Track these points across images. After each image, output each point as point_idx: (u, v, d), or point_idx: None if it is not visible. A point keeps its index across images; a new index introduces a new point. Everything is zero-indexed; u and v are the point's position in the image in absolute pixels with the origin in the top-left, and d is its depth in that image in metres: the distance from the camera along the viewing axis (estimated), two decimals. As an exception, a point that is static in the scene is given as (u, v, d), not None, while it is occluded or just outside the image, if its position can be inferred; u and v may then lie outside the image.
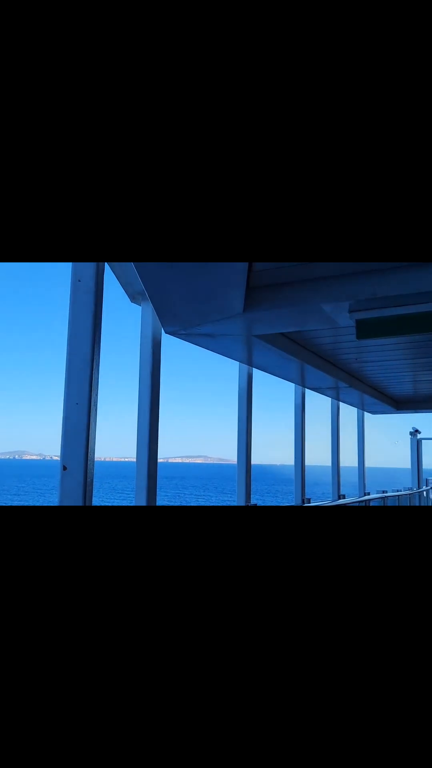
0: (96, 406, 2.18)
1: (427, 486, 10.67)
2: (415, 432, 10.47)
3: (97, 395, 2.19)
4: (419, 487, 10.09)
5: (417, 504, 9.30)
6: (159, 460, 3.17)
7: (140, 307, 3.29)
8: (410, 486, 10.03)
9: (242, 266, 2.23)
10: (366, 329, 2.77)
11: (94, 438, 2.16)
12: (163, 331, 3.19)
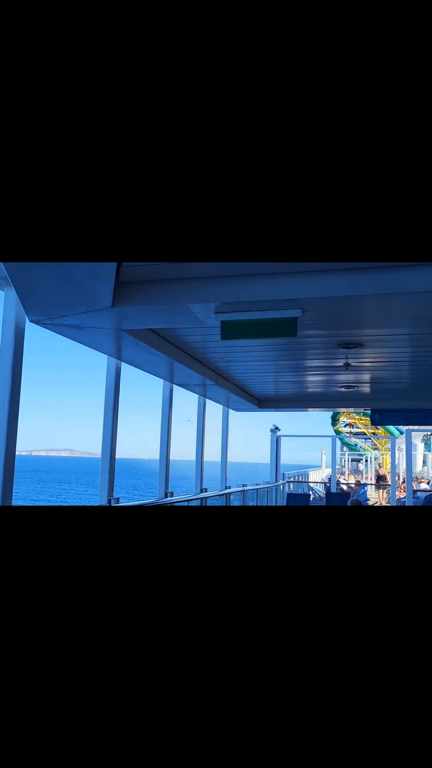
0: None
1: (283, 480, 11.37)
2: (275, 429, 11.09)
3: None
4: (276, 482, 10.72)
5: (273, 497, 9.88)
6: (21, 453, 3.04)
7: (2, 293, 3.13)
8: (268, 480, 10.62)
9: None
10: (230, 330, 2.91)
11: None
12: (27, 319, 3.07)
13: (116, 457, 4.58)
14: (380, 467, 21.44)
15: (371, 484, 16.24)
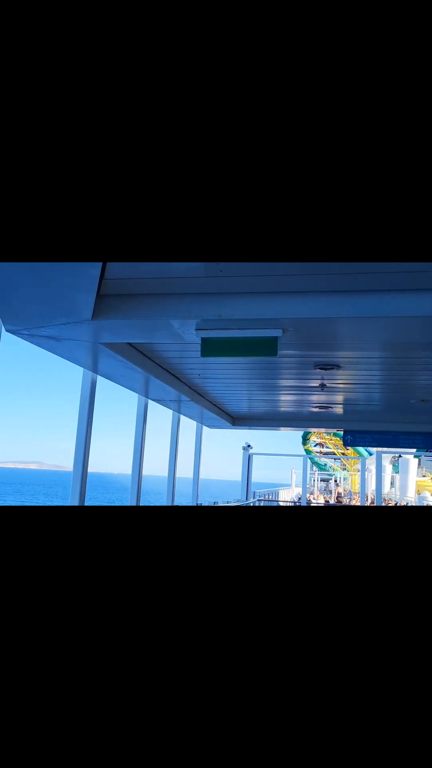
0: None
1: (254, 498, 11.35)
2: (247, 447, 11.10)
3: None
4: (247, 499, 10.70)
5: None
6: (-13, 465, 2.97)
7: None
8: (239, 498, 10.59)
9: (94, 272, 2.21)
10: (210, 348, 2.90)
11: None
12: (3, 328, 3.01)
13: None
14: (337, 486, 21.70)
15: (336, 504, 16.37)
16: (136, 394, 5.71)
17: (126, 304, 2.70)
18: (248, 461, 11.15)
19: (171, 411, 6.83)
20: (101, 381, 4.61)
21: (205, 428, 8.46)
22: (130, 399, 5.86)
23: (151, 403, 5.92)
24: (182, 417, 7.15)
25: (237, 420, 8.29)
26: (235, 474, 11.78)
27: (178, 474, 7.15)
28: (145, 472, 5.85)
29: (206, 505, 7.97)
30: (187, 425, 7.69)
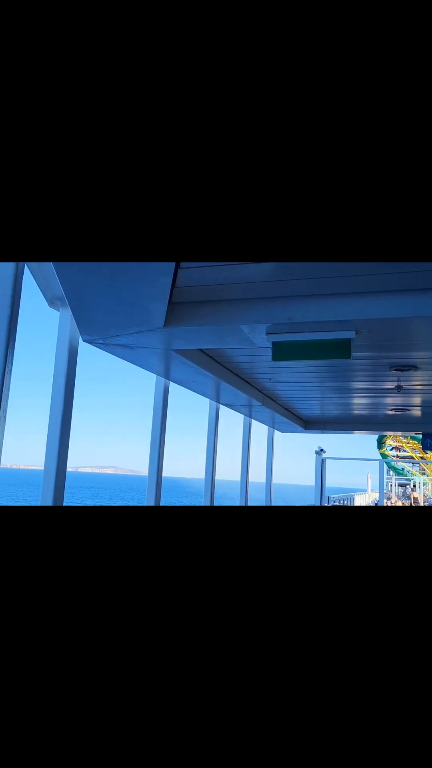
0: (5, 413, 2.10)
1: (328, 503, 11.13)
2: (320, 451, 10.91)
3: (7, 402, 2.11)
4: (321, 505, 10.51)
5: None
6: (68, 470, 3.09)
7: (58, 313, 3.21)
8: (312, 503, 10.42)
9: (166, 280, 2.25)
10: (281, 351, 2.88)
11: (1, 446, 2.07)
12: (80, 338, 3.13)
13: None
14: (413, 491, 20.77)
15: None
16: (208, 400, 5.76)
17: (197, 311, 2.73)
18: (321, 465, 10.95)
19: (242, 415, 6.83)
20: (173, 387, 4.69)
21: (276, 432, 8.39)
22: (202, 405, 5.92)
23: (222, 408, 5.95)
24: (253, 421, 7.14)
25: (309, 424, 8.17)
26: (308, 479, 11.61)
27: (250, 478, 7.13)
28: (217, 476, 5.89)
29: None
30: (259, 429, 7.67)
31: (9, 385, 2.13)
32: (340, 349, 2.76)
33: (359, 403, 6.42)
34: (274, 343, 2.86)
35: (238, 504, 6.96)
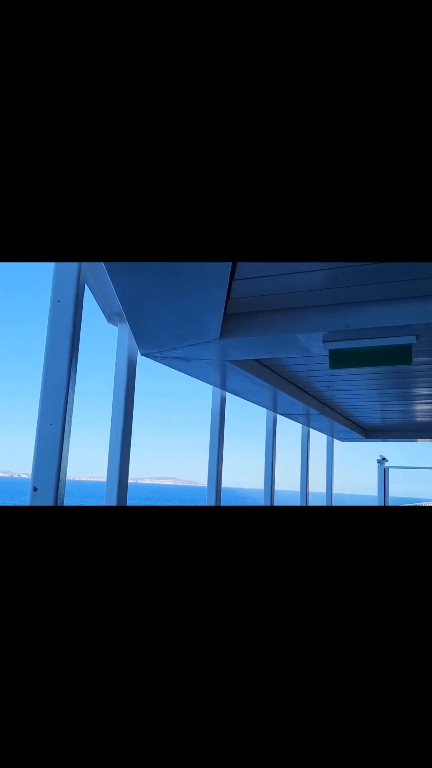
0: (70, 428, 2.17)
1: (393, 514, 10.78)
2: (382, 460, 10.61)
3: (71, 417, 2.18)
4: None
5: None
6: (129, 481, 3.15)
7: (117, 328, 3.30)
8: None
9: (221, 293, 2.27)
10: (338, 359, 2.83)
11: (67, 460, 2.14)
12: (138, 352, 3.21)
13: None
14: None
15: None
16: (264, 410, 5.74)
17: (252, 321, 2.74)
18: (384, 475, 10.64)
19: (300, 425, 6.76)
20: (229, 398, 4.71)
21: (336, 441, 8.24)
22: (259, 415, 5.90)
23: (280, 417, 5.91)
24: (312, 430, 7.04)
25: (370, 432, 7.97)
26: (370, 488, 11.29)
27: (310, 488, 7.03)
28: (277, 486, 5.84)
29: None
30: (318, 439, 7.55)
31: (73, 400, 2.20)
32: (401, 355, 2.69)
33: (422, 410, 6.21)
34: (331, 351, 2.82)
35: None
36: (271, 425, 5.85)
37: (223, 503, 4.71)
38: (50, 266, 2.41)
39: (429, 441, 9.66)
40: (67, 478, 2.19)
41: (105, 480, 3.09)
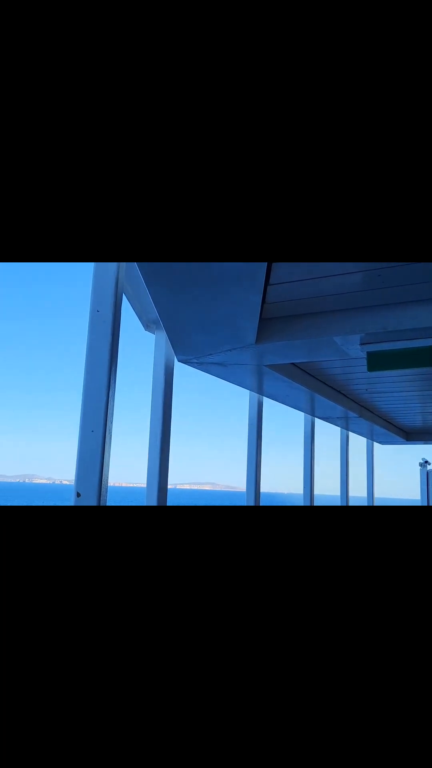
0: (111, 434, 2.22)
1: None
2: (425, 463, 10.37)
3: (112, 423, 2.23)
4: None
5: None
6: (168, 486, 3.19)
7: (154, 336, 3.35)
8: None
9: (256, 298, 2.28)
10: (377, 361, 2.80)
11: (108, 466, 2.19)
12: (175, 359, 3.25)
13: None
14: None
15: None
16: (302, 413, 5.71)
17: (287, 325, 2.74)
18: (427, 478, 10.39)
19: (339, 428, 6.69)
20: (266, 402, 4.70)
21: (376, 444, 8.11)
22: (297, 418, 5.87)
23: (318, 421, 5.87)
24: (351, 434, 6.95)
25: (411, 435, 7.81)
26: (412, 492, 11.05)
27: (351, 493, 6.93)
28: (316, 491, 5.79)
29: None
30: (357, 442, 7.45)
31: (113, 407, 2.25)
32: (440, 356, 2.65)
33: (465, 410, 6.06)
34: (369, 353, 2.79)
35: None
36: (309, 429, 5.81)
37: (262, 508, 4.70)
38: (88, 277, 2.48)
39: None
40: (109, 484, 2.24)
41: (145, 486, 3.14)
